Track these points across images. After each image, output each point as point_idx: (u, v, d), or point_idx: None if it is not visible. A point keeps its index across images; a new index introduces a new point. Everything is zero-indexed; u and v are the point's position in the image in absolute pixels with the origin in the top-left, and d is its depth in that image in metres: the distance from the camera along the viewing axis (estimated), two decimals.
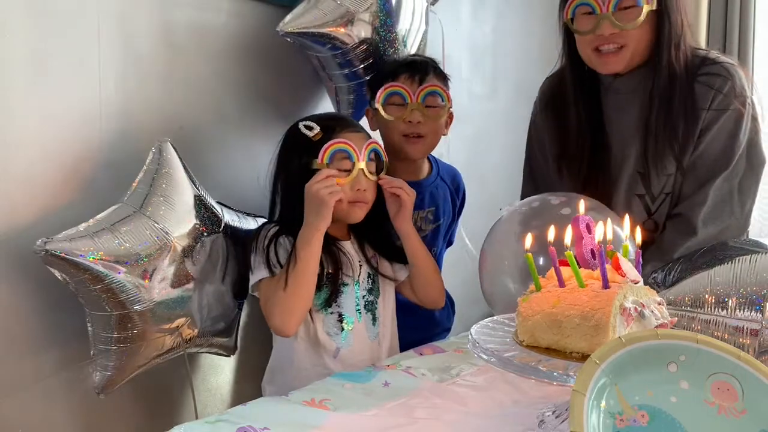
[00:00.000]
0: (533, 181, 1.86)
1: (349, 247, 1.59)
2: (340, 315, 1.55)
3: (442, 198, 1.87)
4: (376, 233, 1.62)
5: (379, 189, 1.57)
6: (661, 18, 1.57)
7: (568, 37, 1.67)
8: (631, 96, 1.66)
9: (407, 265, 1.63)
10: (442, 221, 1.86)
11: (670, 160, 1.63)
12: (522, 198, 1.84)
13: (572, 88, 1.70)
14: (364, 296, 1.58)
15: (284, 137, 1.59)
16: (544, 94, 1.83)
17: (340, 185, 1.48)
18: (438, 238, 1.86)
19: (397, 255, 1.63)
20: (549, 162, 1.80)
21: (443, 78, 1.79)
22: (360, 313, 1.57)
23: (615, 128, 1.70)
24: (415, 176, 1.80)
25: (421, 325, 1.75)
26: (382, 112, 1.72)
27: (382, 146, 1.59)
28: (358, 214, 1.54)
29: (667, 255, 1.60)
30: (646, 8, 1.54)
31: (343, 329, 1.55)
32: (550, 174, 1.79)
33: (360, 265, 1.59)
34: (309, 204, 1.46)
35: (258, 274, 1.50)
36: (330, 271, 1.53)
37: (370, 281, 1.60)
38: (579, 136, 1.70)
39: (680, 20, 1.59)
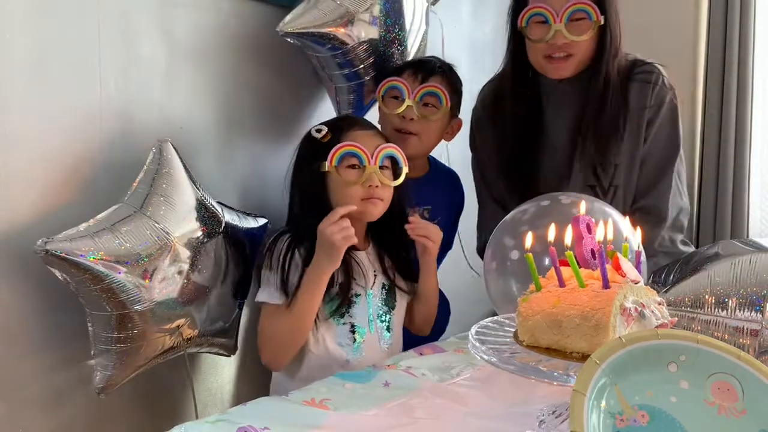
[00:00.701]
0: (485, 184, 1.90)
1: (363, 256, 1.57)
2: (353, 326, 1.53)
3: (441, 197, 1.86)
4: (394, 243, 1.61)
5: (395, 189, 1.55)
6: (604, 31, 1.69)
7: (515, 40, 1.76)
8: (573, 97, 1.75)
9: (416, 285, 1.63)
10: (437, 221, 1.85)
11: (612, 155, 1.74)
12: (481, 206, 1.91)
13: (513, 88, 1.79)
14: (378, 307, 1.57)
15: (298, 145, 1.59)
16: (485, 99, 1.89)
17: (353, 184, 1.48)
18: None
19: (411, 273, 1.63)
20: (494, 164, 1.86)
21: (451, 83, 1.79)
22: (372, 323, 1.56)
23: (558, 125, 1.78)
24: (411, 173, 1.80)
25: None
26: (380, 104, 1.74)
27: (401, 150, 1.56)
28: (373, 211, 1.52)
29: (649, 249, 1.64)
30: (595, 23, 1.65)
31: (355, 340, 1.54)
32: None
33: (375, 275, 1.58)
34: (321, 245, 1.44)
35: (265, 293, 1.49)
36: (341, 280, 1.52)
37: (384, 292, 1.59)
38: (519, 132, 1.78)
39: (618, 32, 1.71)
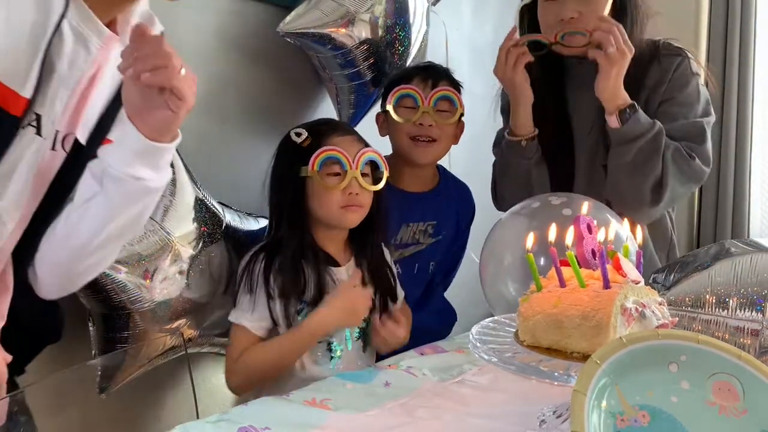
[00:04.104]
0: None
1: (342, 272, 1.53)
2: (329, 344, 1.50)
3: (446, 213, 1.84)
4: (374, 255, 1.58)
5: (376, 197, 1.53)
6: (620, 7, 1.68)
7: (532, 24, 1.74)
8: (592, 76, 1.69)
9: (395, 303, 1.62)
10: (442, 236, 1.82)
11: None
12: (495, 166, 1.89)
13: (536, 68, 1.75)
14: None
15: (277, 147, 1.56)
16: None
17: (332, 190, 1.46)
18: (436, 253, 1.83)
19: (391, 287, 1.61)
20: None
21: (456, 86, 1.78)
22: (350, 340, 1.52)
23: (576, 104, 1.77)
24: (420, 187, 1.78)
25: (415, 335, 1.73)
26: (393, 114, 1.71)
27: (381, 155, 1.55)
28: (352, 218, 1.50)
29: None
30: None
31: (332, 358, 1.50)
32: None
33: None
34: (341, 304, 1.45)
35: (241, 317, 1.45)
36: (313, 293, 1.47)
37: None
38: (541, 109, 1.75)
39: (636, 9, 1.70)
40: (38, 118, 0.95)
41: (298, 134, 1.49)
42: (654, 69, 1.71)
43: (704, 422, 0.83)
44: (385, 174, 1.53)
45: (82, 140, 1.03)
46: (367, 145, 1.55)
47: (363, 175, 1.49)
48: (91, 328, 1.38)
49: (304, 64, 1.85)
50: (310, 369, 1.48)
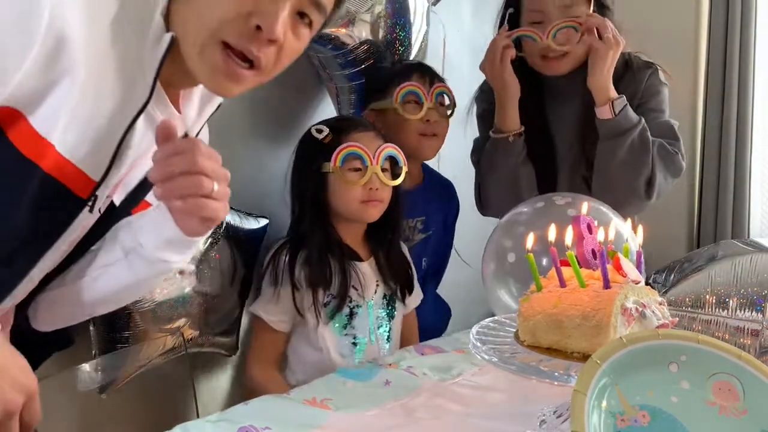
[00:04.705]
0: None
1: (365, 267, 1.57)
2: (355, 337, 1.54)
3: (434, 208, 1.86)
4: (391, 249, 1.61)
5: (392, 195, 1.56)
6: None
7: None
8: (573, 90, 1.74)
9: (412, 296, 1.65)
10: (432, 231, 1.84)
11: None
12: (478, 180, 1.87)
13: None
14: (378, 317, 1.57)
15: (297, 145, 1.59)
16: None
17: (354, 185, 1.49)
18: (427, 248, 1.85)
19: (410, 280, 1.63)
20: None
21: (443, 82, 1.81)
22: (373, 333, 1.56)
23: (556, 118, 1.81)
24: (407, 184, 1.79)
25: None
26: (401, 111, 1.72)
27: (400, 150, 1.57)
28: (372, 213, 1.54)
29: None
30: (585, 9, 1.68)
31: (356, 351, 1.54)
32: None
33: (377, 285, 1.58)
34: None
35: (259, 305, 1.50)
36: (338, 283, 1.51)
37: (385, 302, 1.59)
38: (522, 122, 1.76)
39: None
40: (95, 198, 0.95)
41: (320, 131, 1.52)
42: (628, 80, 1.75)
43: (704, 422, 0.83)
44: (404, 169, 1.56)
45: (117, 202, 1.04)
46: (386, 140, 1.57)
47: (383, 170, 1.52)
48: (91, 328, 1.38)
49: (304, 64, 1.84)
50: (336, 360, 1.52)
